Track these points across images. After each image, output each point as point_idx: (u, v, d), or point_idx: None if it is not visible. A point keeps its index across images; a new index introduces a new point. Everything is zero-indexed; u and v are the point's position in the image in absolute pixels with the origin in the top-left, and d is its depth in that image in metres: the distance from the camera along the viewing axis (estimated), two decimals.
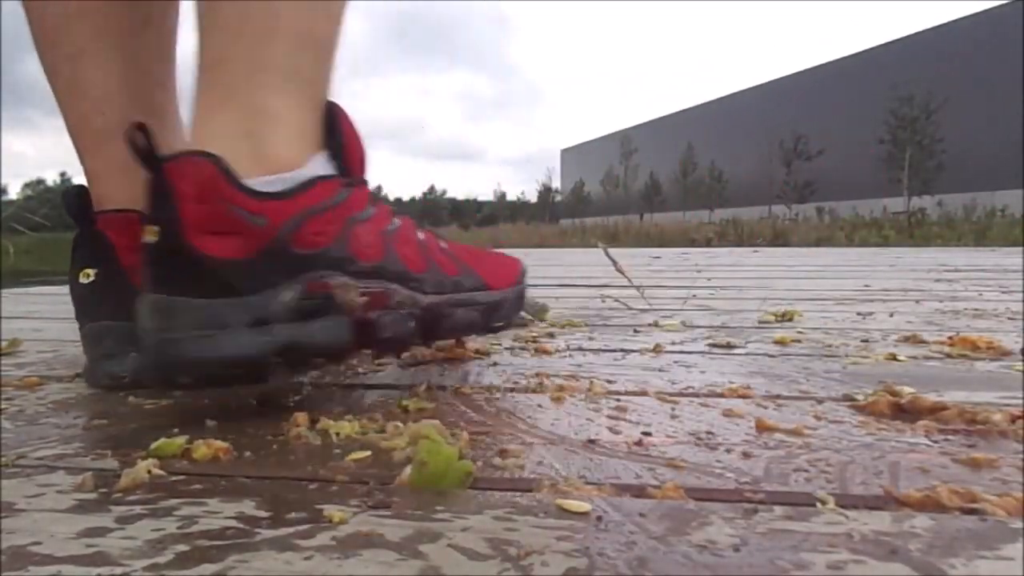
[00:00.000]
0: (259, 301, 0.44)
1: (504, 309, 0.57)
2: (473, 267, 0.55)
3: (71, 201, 0.55)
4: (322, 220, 0.46)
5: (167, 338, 0.42)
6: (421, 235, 0.53)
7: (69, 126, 0.57)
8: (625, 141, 31.09)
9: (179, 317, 0.42)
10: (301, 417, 0.42)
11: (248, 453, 0.37)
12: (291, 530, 0.27)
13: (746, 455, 0.36)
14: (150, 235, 0.44)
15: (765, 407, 0.46)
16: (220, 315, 0.43)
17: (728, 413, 0.44)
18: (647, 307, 1.05)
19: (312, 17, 0.47)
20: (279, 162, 0.46)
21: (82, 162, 0.57)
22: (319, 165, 0.48)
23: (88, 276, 0.54)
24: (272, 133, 0.46)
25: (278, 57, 0.46)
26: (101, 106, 0.55)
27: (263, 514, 0.29)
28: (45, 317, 1.09)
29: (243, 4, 0.45)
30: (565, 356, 0.67)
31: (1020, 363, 0.60)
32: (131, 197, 0.55)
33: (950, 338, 0.71)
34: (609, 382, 0.54)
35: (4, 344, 0.74)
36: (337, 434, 0.40)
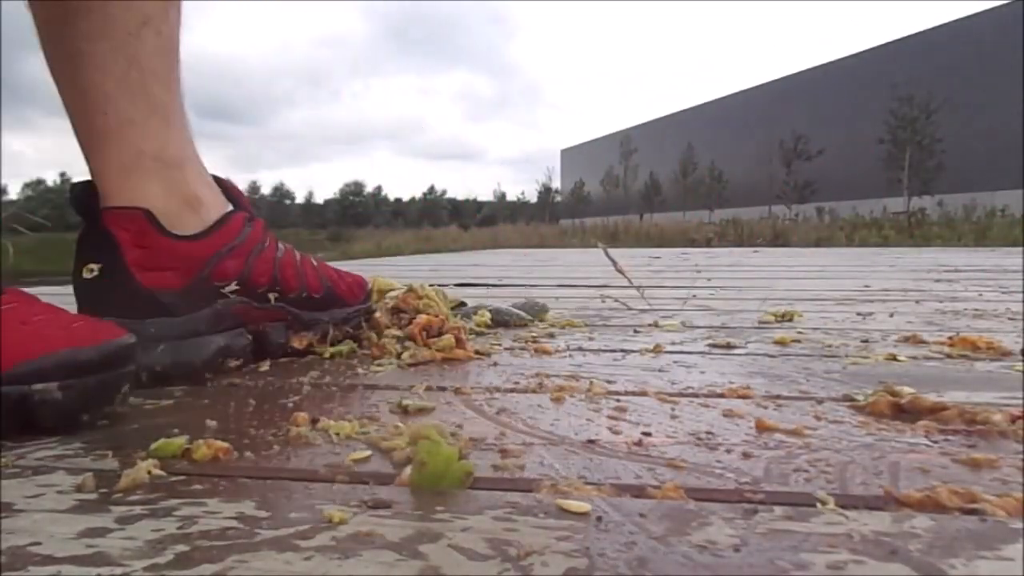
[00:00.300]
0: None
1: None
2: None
3: (78, 195, 0.56)
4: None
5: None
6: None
7: (72, 125, 0.57)
8: (625, 141, 31.09)
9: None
10: (301, 417, 0.42)
11: (248, 453, 0.37)
12: (291, 530, 0.27)
13: (746, 455, 0.36)
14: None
15: (765, 407, 0.46)
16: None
17: (728, 413, 0.44)
18: (647, 307, 1.05)
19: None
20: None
21: (86, 161, 0.57)
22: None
23: (91, 271, 0.54)
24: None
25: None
26: (101, 106, 0.55)
27: (263, 514, 0.29)
28: None
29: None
30: (565, 356, 0.67)
31: (1020, 363, 0.60)
32: (133, 196, 0.56)
33: (950, 338, 0.71)
34: (609, 382, 0.54)
35: None
36: (337, 434, 0.40)
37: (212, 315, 0.58)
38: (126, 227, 0.55)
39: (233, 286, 0.59)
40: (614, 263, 1.04)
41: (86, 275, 0.55)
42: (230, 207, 0.62)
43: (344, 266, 0.82)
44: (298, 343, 0.65)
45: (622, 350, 0.69)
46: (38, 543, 0.26)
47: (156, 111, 0.57)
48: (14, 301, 0.45)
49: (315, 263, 0.68)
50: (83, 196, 0.56)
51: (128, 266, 0.54)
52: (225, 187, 0.63)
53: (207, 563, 0.25)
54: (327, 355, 0.66)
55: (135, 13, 0.55)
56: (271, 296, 0.62)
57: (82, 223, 0.56)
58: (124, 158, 0.56)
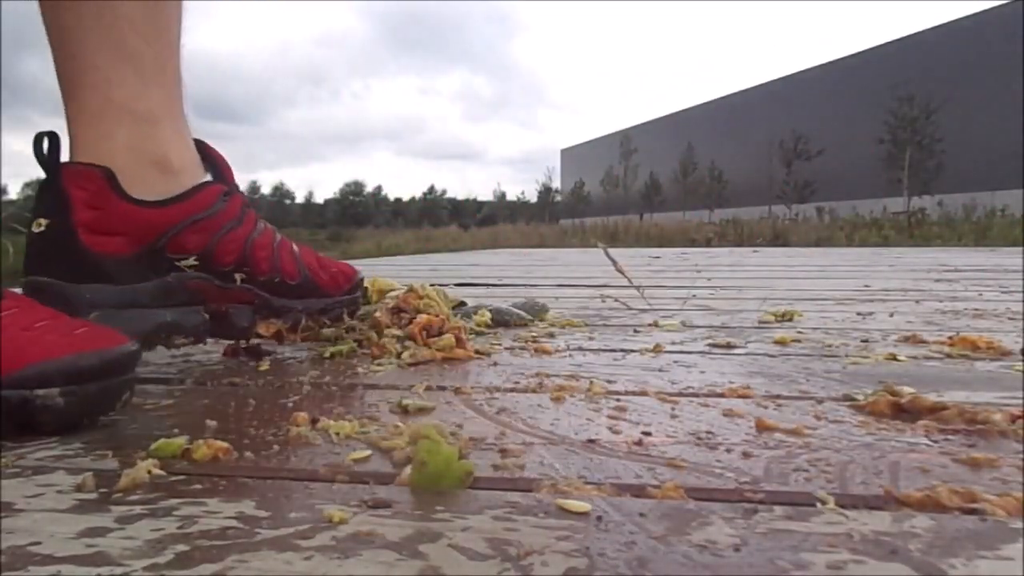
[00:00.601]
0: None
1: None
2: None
3: (39, 146, 0.54)
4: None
5: None
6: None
7: (56, 73, 0.56)
8: (625, 141, 31.08)
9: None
10: (301, 417, 0.42)
11: (248, 453, 0.37)
12: (291, 530, 0.27)
13: (746, 455, 0.36)
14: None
15: (765, 407, 0.46)
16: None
17: (728, 413, 0.44)
18: (647, 307, 1.05)
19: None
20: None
21: (64, 109, 0.56)
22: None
23: (40, 226, 0.53)
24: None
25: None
26: (71, 49, 0.54)
27: (263, 514, 0.29)
28: None
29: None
30: (565, 356, 0.67)
31: (1020, 363, 0.60)
32: (97, 149, 0.54)
33: (950, 338, 0.71)
34: (609, 382, 0.54)
35: None
36: (337, 434, 0.40)
37: (159, 288, 0.55)
38: (82, 186, 0.53)
39: (191, 260, 0.56)
40: (614, 263, 1.04)
41: (34, 229, 0.53)
42: (207, 177, 0.59)
43: None
44: (265, 330, 0.62)
45: (622, 350, 0.69)
46: (38, 543, 0.26)
47: (127, 60, 0.55)
48: (15, 306, 0.45)
49: (295, 248, 0.65)
50: (43, 146, 0.54)
51: (75, 226, 0.52)
52: (210, 156, 0.60)
53: (207, 563, 0.24)
54: (327, 355, 0.66)
55: None
56: (237, 276, 0.59)
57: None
58: (92, 104, 0.54)
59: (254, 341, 0.65)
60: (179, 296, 0.56)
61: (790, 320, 0.90)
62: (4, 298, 0.45)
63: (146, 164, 0.55)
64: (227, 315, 0.60)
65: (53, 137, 0.54)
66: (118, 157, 0.54)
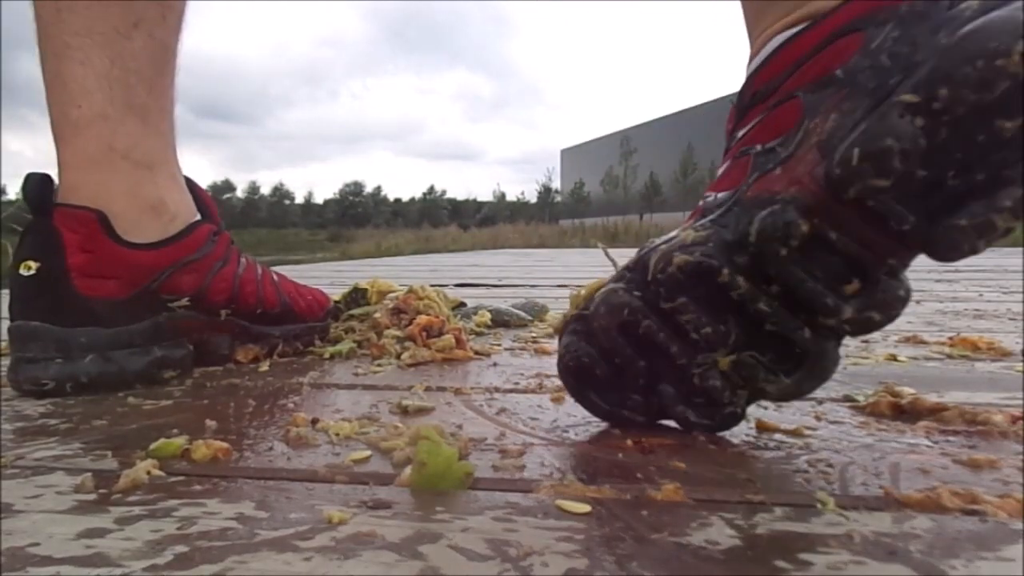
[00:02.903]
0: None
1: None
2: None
3: (32, 188, 0.53)
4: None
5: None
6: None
7: (50, 117, 0.56)
8: (625, 141, 31.09)
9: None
10: (301, 417, 0.42)
11: (248, 453, 0.37)
12: (291, 530, 0.27)
13: (746, 455, 0.36)
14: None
15: (765, 407, 0.46)
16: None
17: None
18: None
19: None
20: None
21: (57, 152, 0.56)
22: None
23: (29, 268, 0.52)
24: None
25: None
26: (78, 99, 0.54)
27: (263, 514, 0.29)
28: None
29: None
30: None
31: (1021, 364, 0.60)
32: (95, 193, 0.54)
33: (950, 339, 0.71)
34: None
35: (3, 344, 0.74)
36: (337, 435, 0.40)
37: (151, 328, 0.56)
38: (75, 228, 0.53)
39: (184, 301, 0.57)
40: (614, 263, 1.04)
41: (23, 271, 0.52)
42: (198, 216, 0.60)
43: (344, 266, 0.81)
44: (243, 356, 0.63)
45: None
46: (37, 544, 0.26)
47: (134, 110, 0.56)
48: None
49: (275, 278, 0.68)
50: (37, 189, 0.53)
51: (68, 270, 0.52)
52: (198, 195, 0.62)
53: (206, 564, 0.24)
54: (327, 355, 0.66)
55: (128, 13, 0.55)
56: (223, 312, 0.61)
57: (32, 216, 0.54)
58: (92, 151, 0.55)
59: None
60: (168, 334, 0.57)
61: None
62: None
63: (143, 209, 0.56)
64: (208, 343, 0.61)
65: (46, 179, 0.54)
66: (115, 202, 0.55)
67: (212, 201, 0.63)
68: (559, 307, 1.05)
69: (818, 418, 0.43)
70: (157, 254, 0.56)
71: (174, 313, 0.57)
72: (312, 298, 0.71)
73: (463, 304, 0.92)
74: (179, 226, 0.58)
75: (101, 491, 0.32)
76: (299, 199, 58.02)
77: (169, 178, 0.59)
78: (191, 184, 0.62)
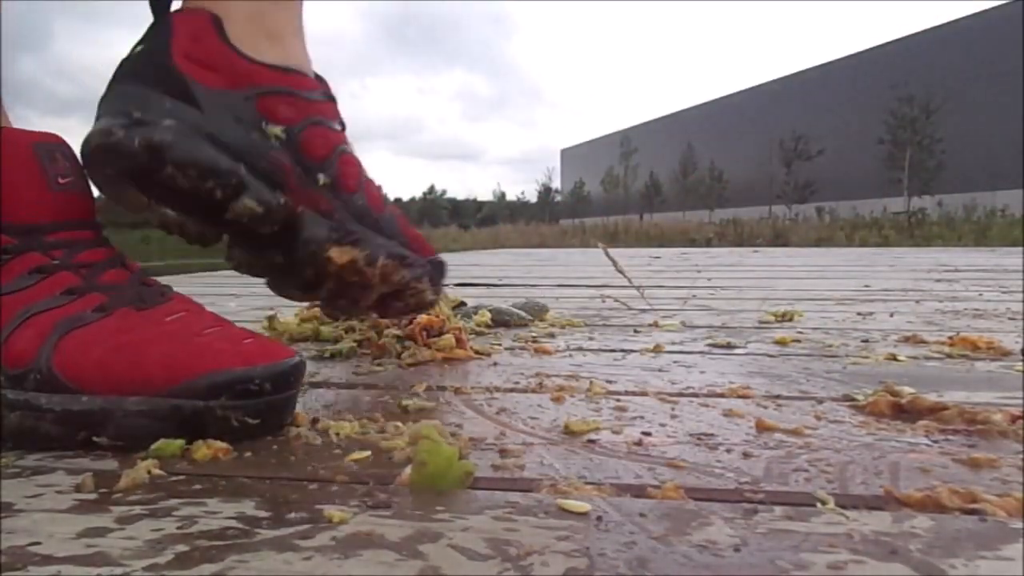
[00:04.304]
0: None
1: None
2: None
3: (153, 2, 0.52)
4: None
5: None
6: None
7: None
8: (625, 141, 31.09)
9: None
10: (301, 417, 0.42)
11: (248, 453, 0.37)
12: (291, 530, 0.27)
13: (746, 455, 0.36)
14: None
15: (765, 407, 0.46)
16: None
17: (728, 413, 0.44)
18: (647, 307, 1.05)
19: None
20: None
21: None
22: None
23: (137, 47, 0.52)
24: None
25: None
26: None
27: (263, 514, 0.29)
28: None
29: None
30: (565, 356, 0.67)
31: (1020, 363, 0.60)
32: (218, 9, 0.52)
33: (950, 338, 0.71)
34: (609, 382, 0.54)
35: None
36: (337, 434, 0.40)
37: (241, 136, 0.50)
38: (188, 20, 0.51)
39: (278, 131, 0.51)
40: (614, 263, 1.04)
41: (131, 51, 0.52)
42: (314, 74, 0.56)
43: None
44: (338, 256, 0.52)
45: (622, 350, 0.69)
46: (38, 543, 0.26)
47: None
48: (184, 309, 0.44)
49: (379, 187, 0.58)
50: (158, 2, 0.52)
51: (171, 46, 0.50)
52: (323, 83, 0.56)
53: (207, 563, 0.24)
54: (327, 355, 0.66)
55: None
56: (320, 177, 0.52)
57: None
58: None
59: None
60: (259, 162, 0.50)
61: (790, 320, 0.90)
62: (173, 300, 0.45)
63: (260, 35, 0.53)
64: (300, 219, 0.51)
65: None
66: (235, 26, 0.52)
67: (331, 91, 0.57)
68: (559, 307, 1.05)
69: (818, 417, 0.43)
70: (260, 68, 0.52)
71: (268, 142, 0.50)
72: (419, 236, 0.59)
73: (463, 304, 0.92)
74: (289, 62, 0.54)
75: (102, 490, 0.32)
76: None
77: (291, 26, 0.55)
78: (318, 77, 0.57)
